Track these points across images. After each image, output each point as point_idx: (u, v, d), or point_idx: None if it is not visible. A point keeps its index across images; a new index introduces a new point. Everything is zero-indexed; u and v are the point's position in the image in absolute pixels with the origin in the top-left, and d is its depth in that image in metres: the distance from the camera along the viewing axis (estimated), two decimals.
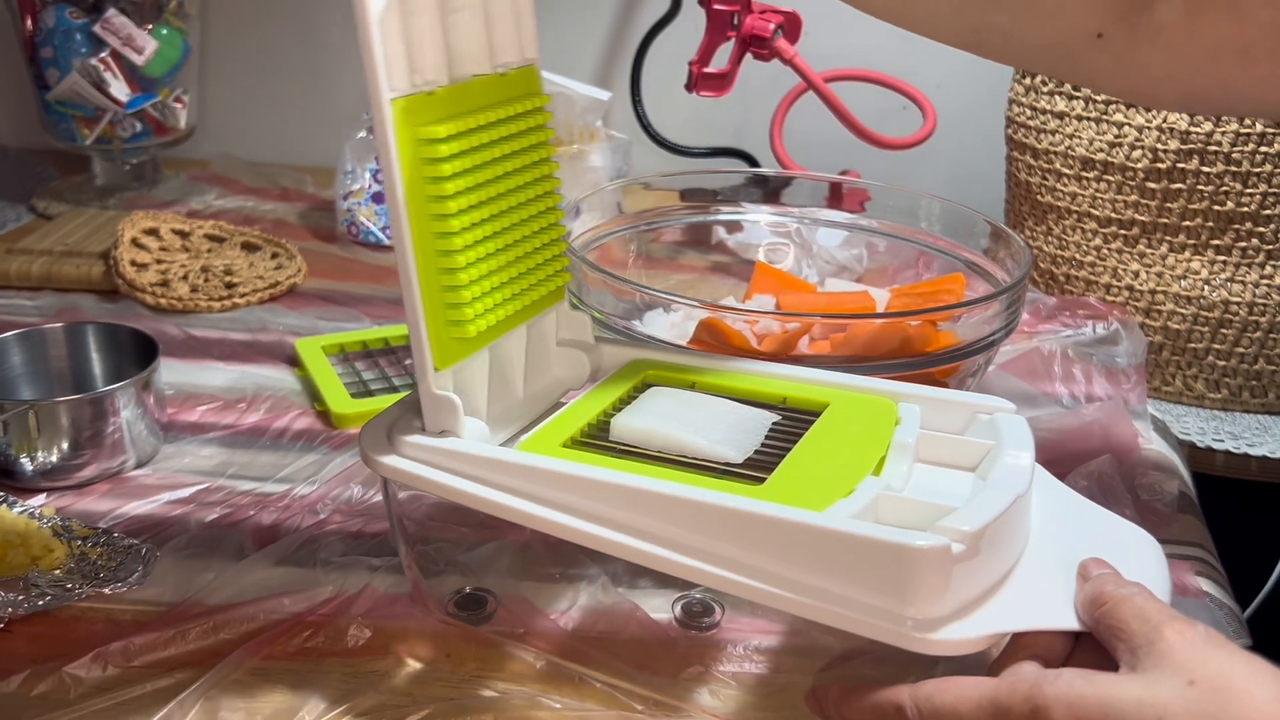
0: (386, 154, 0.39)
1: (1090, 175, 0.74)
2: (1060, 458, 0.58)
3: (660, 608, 0.47)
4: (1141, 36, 0.45)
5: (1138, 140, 0.71)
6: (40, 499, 0.54)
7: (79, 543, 0.49)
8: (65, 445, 0.54)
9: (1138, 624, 0.33)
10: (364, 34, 0.39)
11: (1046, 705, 0.32)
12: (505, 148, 0.43)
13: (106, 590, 0.46)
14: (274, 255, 0.83)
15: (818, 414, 0.45)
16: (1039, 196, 0.78)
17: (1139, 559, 0.40)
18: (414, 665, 0.44)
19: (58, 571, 0.47)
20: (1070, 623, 0.36)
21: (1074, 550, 0.39)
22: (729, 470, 0.41)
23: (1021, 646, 0.36)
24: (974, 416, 0.45)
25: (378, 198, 0.88)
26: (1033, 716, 0.32)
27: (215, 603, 0.46)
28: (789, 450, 0.42)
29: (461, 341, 0.42)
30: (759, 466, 0.41)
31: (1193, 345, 0.74)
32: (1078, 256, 0.77)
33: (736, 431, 0.43)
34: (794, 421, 0.45)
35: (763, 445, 0.43)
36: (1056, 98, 0.75)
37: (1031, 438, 0.42)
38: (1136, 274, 0.74)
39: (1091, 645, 0.35)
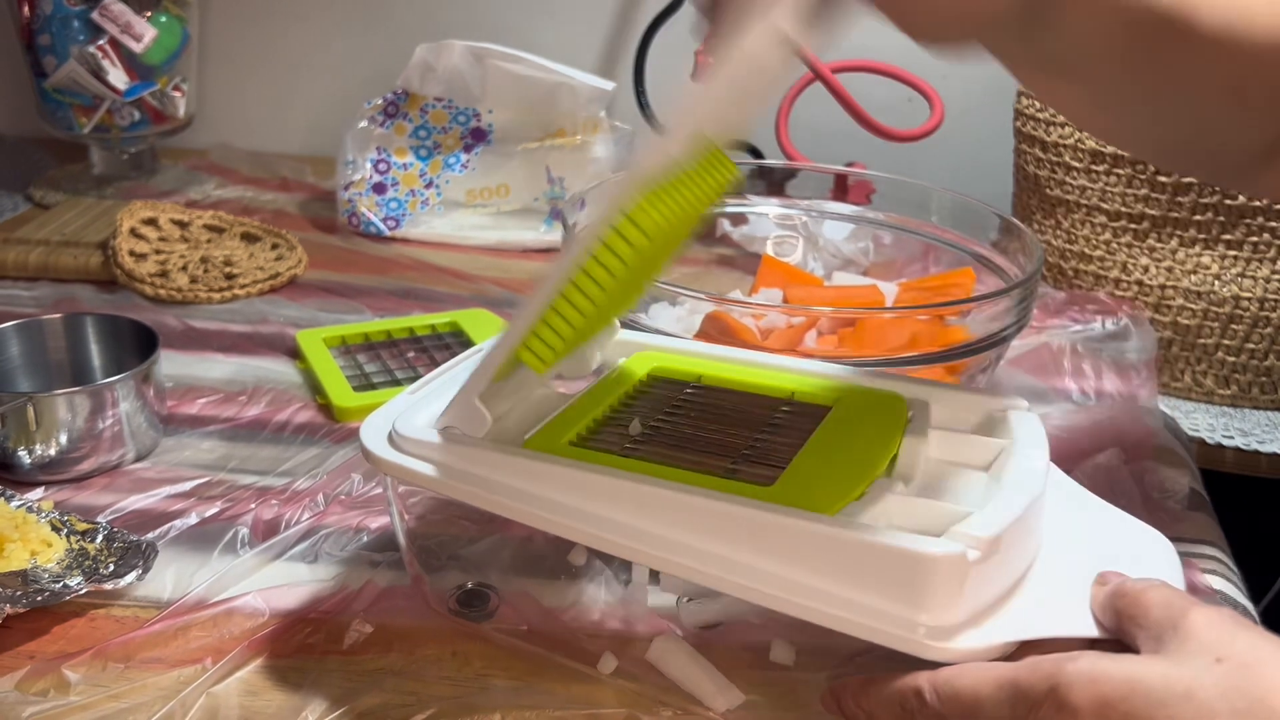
0: (605, 209, 0.36)
1: (1100, 168, 0.73)
2: (1070, 454, 0.57)
3: (666, 604, 0.46)
4: None
5: None
6: (38, 492, 0.54)
7: (77, 537, 0.49)
8: (64, 438, 0.54)
9: (1161, 610, 0.33)
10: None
11: (1068, 682, 0.31)
12: (680, 225, 0.40)
13: (106, 586, 0.46)
14: (274, 246, 0.82)
15: (826, 409, 0.44)
16: (1048, 189, 0.77)
17: (1153, 560, 0.39)
18: (418, 663, 0.43)
19: (56, 566, 0.47)
20: (1087, 629, 0.35)
21: (1088, 552, 0.39)
22: (737, 470, 0.40)
23: (1034, 651, 0.35)
24: (986, 414, 0.44)
25: (379, 188, 0.88)
26: (1052, 695, 0.31)
27: (216, 598, 0.46)
28: (798, 448, 0.41)
29: (520, 363, 0.41)
30: (768, 465, 0.40)
31: (1203, 341, 0.73)
32: (1087, 250, 0.76)
33: None
34: (802, 417, 0.44)
35: (772, 442, 0.42)
36: None
37: (1045, 436, 0.42)
38: (1146, 269, 0.74)
39: (1109, 650, 0.34)
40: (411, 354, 0.68)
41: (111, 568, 0.47)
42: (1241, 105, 0.43)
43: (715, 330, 0.57)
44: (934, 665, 0.34)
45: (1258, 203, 0.70)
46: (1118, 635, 0.34)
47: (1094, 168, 0.74)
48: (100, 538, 0.49)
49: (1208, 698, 0.30)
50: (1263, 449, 0.69)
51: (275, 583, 0.47)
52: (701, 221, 0.44)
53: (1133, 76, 0.42)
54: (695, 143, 0.40)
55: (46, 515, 0.50)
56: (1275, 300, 0.71)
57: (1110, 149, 0.73)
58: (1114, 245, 0.74)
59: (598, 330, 0.45)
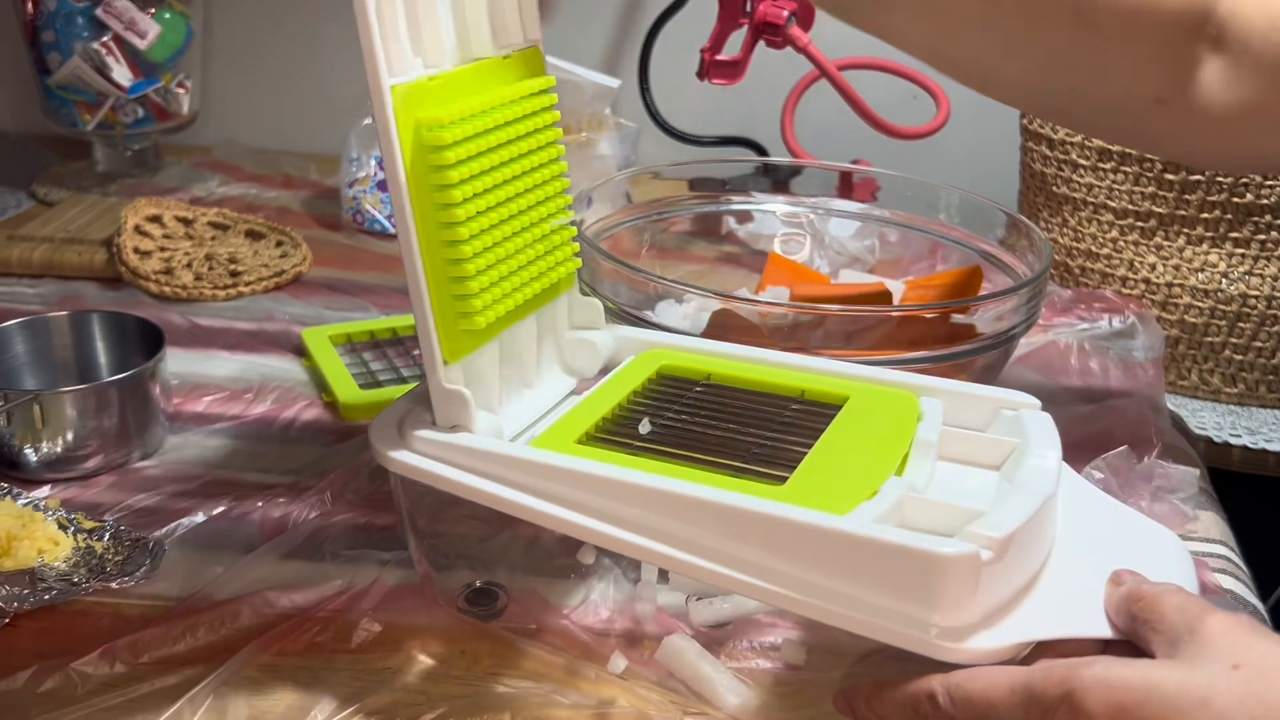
0: (388, 142, 0.38)
1: (1107, 166, 0.73)
2: (1077, 453, 0.57)
3: (675, 604, 0.46)
4: (1193, 104, 0.46)
5: None
6: (45, 490, 0.53)
7: (84, 535, 0.49)
8: (70, 436, 0.54)
9: (1177, 615, 0.33)
10: (362, 18, 0.37)
11: (1083, 688, 0.31)
12: (510, 132, 0.42)
13: (113, 584, 0.46)
14: (279, 243, 0.82)
15: (837, 407, 0.44)
16: (1054, 187, 0.77)
17: (1165, 558, 0.39)
18: (427, 662, 0.43)
19: (63, 565, 0.47)
20: (1101, 629, 0.35)
21: (1100, 552, 0.39)
22: (748, 469, 0.40)
23: (1047, 651, 0.35)
24: (998, 412, 0.44)
25: (383, 185, 0.87)
26: (1067, 700, 0.31)
27: (223, 597, 0.46)
28: (810, 446, 0.41)
29: (471, 334, 0.41)
30: (780, 464, 0.40)
31: (1210, 339, 0.73)
32: (1093, 248, 0.76)
33: None
34: (813, 415, 0.44)
35: (783, 440, 0.42)
36: None
37: (1057, 436, 0.41)
38: (1153, 266, 0.73)
39: (1121, 652, 0.34)
40: (417, 352, 0.68)
41: (119, 566, 0.47)
42: (1093, 32, 0.43)
43: (723, 327, 0.56)
44: (947, 666, 0.34)
45: (1265, 201, 0.69)
46: (1131, 637, 0.34)
47: (1101, 165, 0.74)
48: (107, 536, 0.49)
49: (1224, 705, 0.29)
50: (1270, 447, 0.69)
51: (283, 581, 0.47)
52: (552, 135, 0.44)
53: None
54: (449, 56, 0.41)
55: (53, 513, 0.50)
56: None
57: (1116, 146, 0.72)
58: (1121, 243, 0.74)
59: (526, 273, 0.43)
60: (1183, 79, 0.46)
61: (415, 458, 0.41)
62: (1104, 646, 0.35)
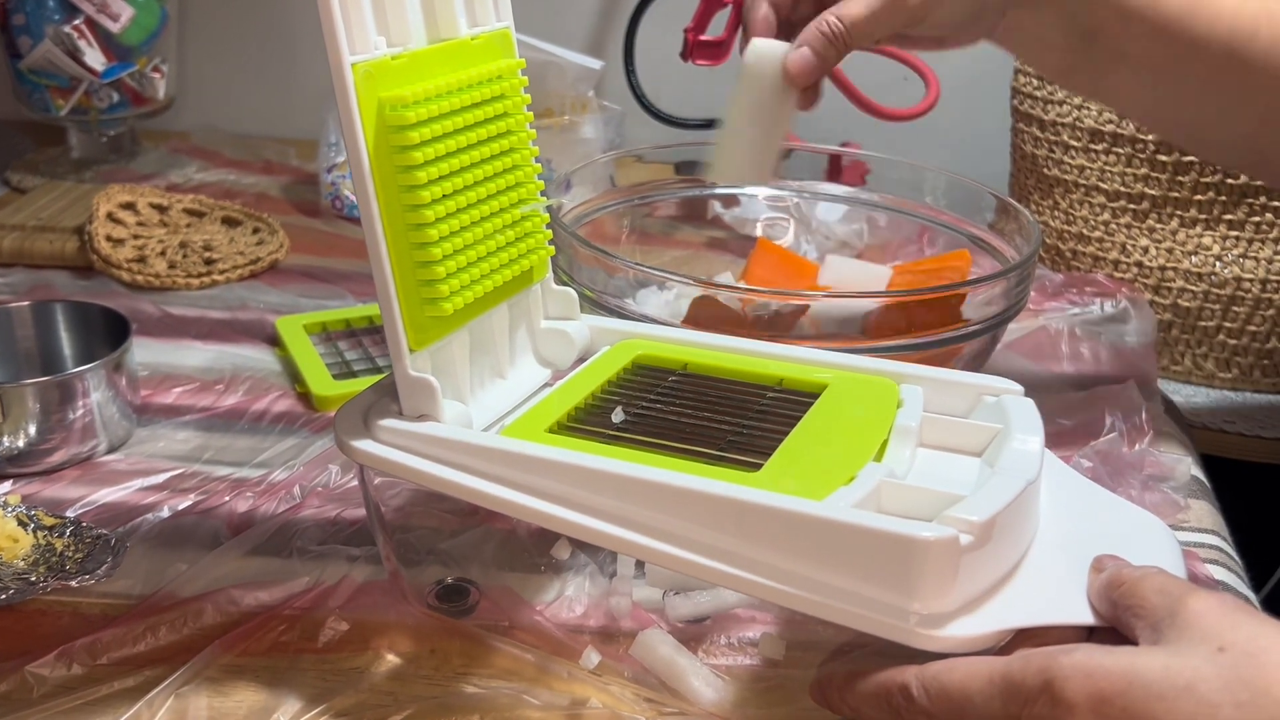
0: (349, 121, 0.37)
1: (1099, 147, 0.72)
2: (1068, 439, 0.56)
3: (651, 598, 0.45)
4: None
5: None
6: (6, 486, 0.52)
7: (45, 532, 0.47)
8: (32, 429, 0.52)
9: (1159, 598, 0.32)
10: None
11: (1063, 676, 0.30)
12: (479, 114, 0.41)
13: (73, 583, 0.44)
14: (255, 230, 0.80)
15: (815, 395, 0.43)
16: (1045, 169, 0.75)
17: (1152, 546, 0.38)
18: (395, 661, 0.42)
19: (21, 563, 0.45)
20: (1084, 616, 0.34)
21: (1085, 539, 0.38)
22: (724, 456, 0.39)
23: (1029, 639, 0.34)
24: (979, 398, 0.43)
25: None
26: (1046, 690, 0.30)
27: (186, 595, 0.44)
28: (786, 434, 0.40)
29: (438, 320, 0.40)
30: (755, 451, 0.39)
31: (1203, 323, 0.71)
32: (1085, 231, 0.74)
33: None
34: (791, 403, 0.43)
35: (759, 428, 0.41)
36: None
37: (1040, 421, 0.40)
38: (1146, 250, 0.72)
39: (1106, 639, 0.33)
40: None
41: (79, 564, 0.45)
42: None
43: (703, 315, 0.55)
44: (924, 656, 0.33)
45: (1259, 182, 0.68)
46: (1114, 624, 0.33)
47: (1093, 147, 0.72)
48: (68, 533, 0.47)
49: (1209, 690, 0.28)
50: (1264, 433, 0.67)
51: (249, 578, 0.46)
52: (519, 119, 0.43)
53: (1189, 57, 0.48)
54: (412, 36, 0.40)
55: (13, 510, 0.48)
56: (1277, 282, 0.69)
57: (1109, 127, 0.71)
58: (1113, 226, 0.73)
59: (494, 259, 0.42)
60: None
61: (380, 448, 0.40)
62: (1088, 634, 0.34)
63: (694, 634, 0.43)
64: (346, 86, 0.37)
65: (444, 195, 0.39)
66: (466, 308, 0.41)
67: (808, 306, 0.56)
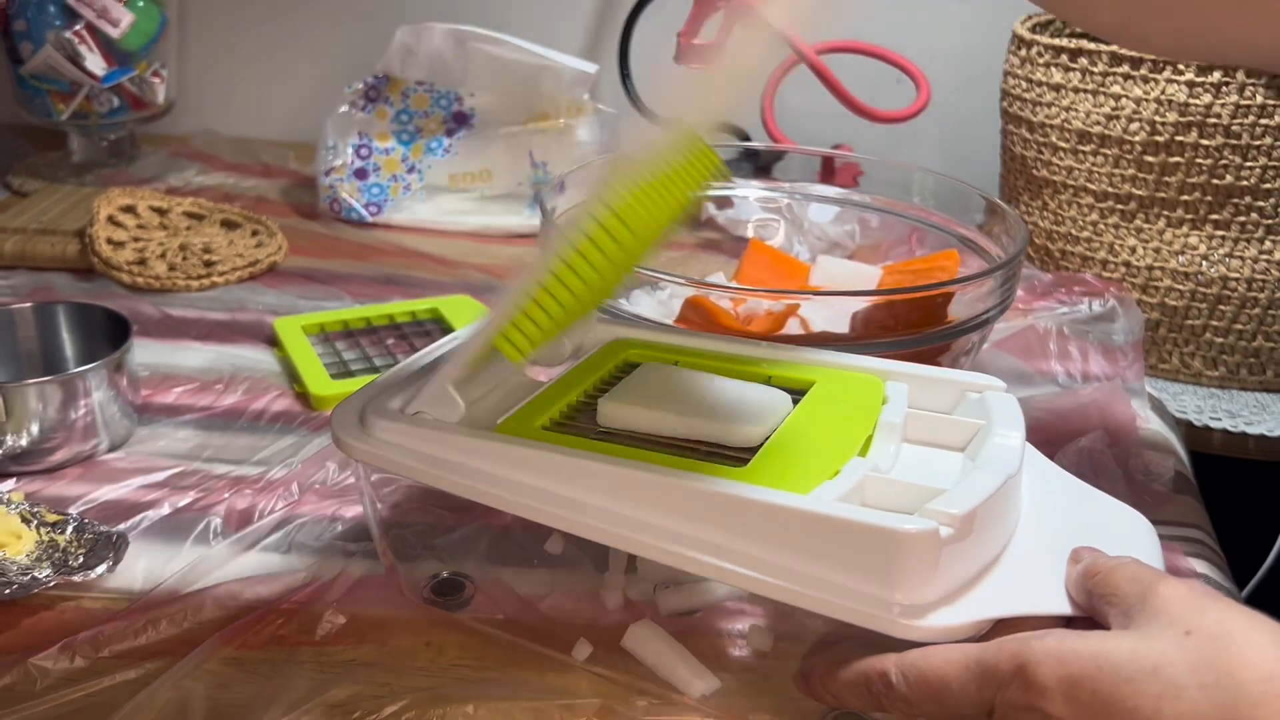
0: (591, 200, 0.36)
1: (1087, 148, 0.73)
2: (1056, 437, 0.57)
3: (643, 592, 0.46)
4: None
5: (1135, 112, 0.70)
6: (9, 484, 0.53)
7: (47, 529, 0.48)
8: (35, 428, 0.53)
9: (1130, 586, 0.33)
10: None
11: (1035, 660, 0.31)
12: (663, 218, 0.40)
13: (75, 578, 0.45)
14: (254, 233, 0.81)
15: (802, 392, 0.44)
16: (1034, 170, 0.76)
17: (1131, 540, 0.39)
18: (391, 654, 0.43)
19: (25, 559, 0.46)
20: (1061, 607, 0.35)
21: (1065, 532, 0.38)
22: (712, 452, 0.40)
23: (1008, 629, 0.35)
24: (963, 395, 0.44)
25: (360, 173, 0.87)
26: (1019, 674, 0.31)
27: (187, 590, 0.45)
28: (773, 430, 0.41)
29: (497, 352, 0.40)
30: (743, 447, 0.40)
31: (1190, 322, 0.72)
32: (1074, 231, 0.75)
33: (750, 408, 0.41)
34: None
35: None
36: (1053, 69, 0.73)
37: (1022, 416, 0.41)
38: (1133, 249, 0.73)
39: (1083, 628, 0.34)
40: (391, 341, 0.67)
41: (81, 559, 0.46)
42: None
43: (695, 316, 0.56)
44: (907, 646, 0.34)
45: (1245, 182, 0.69)
46: (1090, 613, 0.34)
47: (1080, 148, 0.73)
48: (70, 529, 0.48)
49: (1175, 673, 0.29)
50: (1250, 430, 0.68)
51: (247, 573, 0.46)
52: (684, 212, 0.43)
53: None
54: (681, 133, 0.39)
55: (16, 507, 0.49)
56: (1263, 281, 0.70)
57: (1097, 129, 0.72)
58: (1101, 226, 0.74)
59: (576, 321, 0.44)
60: None
61: (376, 444, 0.41)
62: (1065, 624, 0.35)
63: (684, 626, 0.44)
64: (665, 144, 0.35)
65: (592, 287, 0.38)
66: None
67: (798, 306, 0.57)
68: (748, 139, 1.00)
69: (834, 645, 0.37)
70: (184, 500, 0.52)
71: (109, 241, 0.76)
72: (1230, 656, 0.29)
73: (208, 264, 0.76)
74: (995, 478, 0.36)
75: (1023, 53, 0.76)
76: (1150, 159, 0.70)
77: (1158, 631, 0.30)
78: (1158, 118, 0.69)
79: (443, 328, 0.69)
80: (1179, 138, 0.69)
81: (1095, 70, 0.71)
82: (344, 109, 0.86)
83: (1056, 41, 0.73)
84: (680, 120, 0.39)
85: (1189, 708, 0.29)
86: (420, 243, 0.83)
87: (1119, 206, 0.73)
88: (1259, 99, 0.67)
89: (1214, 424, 0.69)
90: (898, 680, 0.33)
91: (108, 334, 0.58)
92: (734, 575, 0.36)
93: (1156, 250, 0.72)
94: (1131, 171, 0.71)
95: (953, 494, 0.35)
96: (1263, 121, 0.67)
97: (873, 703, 0.34)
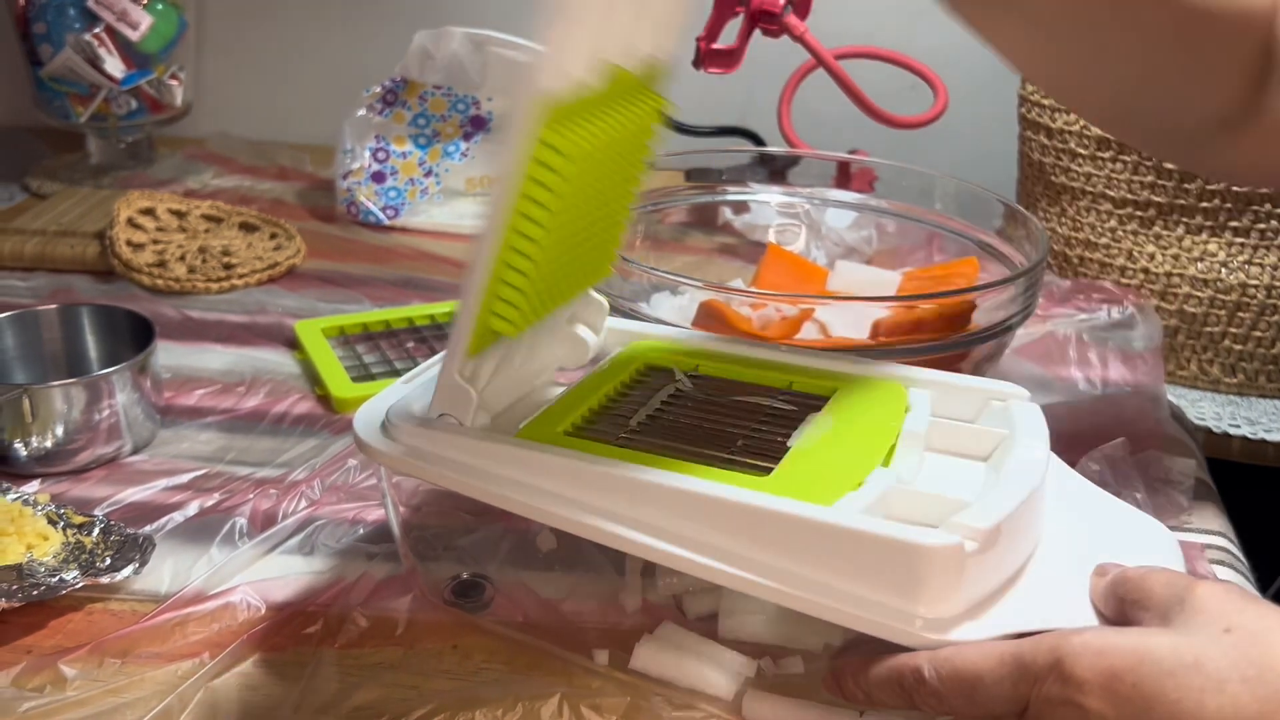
0: (511, 145, 0.35)
1: (1105, 155, 0.73)
2: (1075, 444, 0.56)
3: (665, 594, 0.46)
4: (1259, 123, 0.46)
5: None
6: (35, 485, 0.53)
7: (74, 530, 0.48)
8: (60, 430, 0.53)
9: (1165, 590, 0.33)
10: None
11: (1074, 653, 0.31)
12: (612, 158, 0.40)
13: (103, 579, 0.45)
14: (272, 236, 0.81)
15: (825, 399, 0.44)
16: (1052, 177, 0.76)
17: (1154, 552, 0.39)
18: (417, 657, 0.43)
19: (52, 560, 0.47)
20: (1086, 620, 0.35)
21: (1088, 544, 0.38)
22: (735, 460, 0.40)
23: None
24: (986, 403, 0.44)
25: (378, 177, 0.87)
26: (1056, 668, 0.31)
27: (213, 592, 0.46)
28: (796, 437, 0.41)
29: (496, 333, 0.40)
30: (766, 456, 0.40)
31: (1209, 329, 0.72)
32: (1092, 238, 0.75)
33: None
34: (800, 407, 0.44)
35: (769, 431, 0.42)
36: None
37: (1046, 426, 0.41)
38: (1152, 256, 0.73)
39: None
40: (411, 344, 0.68)
41: (108, 561, 0.46)
42: (1193, 56, 0.42)
43: (712, 320, 0.56)
44: None
45: (1264, 190, 0.69)
46: (1120, 622, 0.34)
47: (1099, 154, 0.73)
48: (97, 531, 0.48)
49: (1217, 667, 0.29)
50: (1269, 437, 0.68)
51: (272, 575, 0.47)
52: (638, 134, 0.41)
53: (1079, 5, 0.42)
54: (597, 66, 0.38)
55: (43, 508, 0.50)
56: None
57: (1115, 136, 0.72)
58: (1120, 233, 0.74)
59: (564, 284, 0.42)
60: (1256, 98, 0.45)
61: (399, 449, 0.41)
62: None
63: (709, 630, 0.44)
64: (525, 119, 0.35)
65: (553, 229, 0.38)
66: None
67: (813, 311, 0.57)
68: (763, 143, 1.00)
69: (863, 646, 0.37)
70: (209, 502, 0.52)
71: (129, 244, 0.76)
72: (1272, 651, 0.29)
73: (227, 266, 0.76)
74: (1020, 491, 0.36)
75: None
76: (1169, 166, 0.70)
77: (1197, 629, 0.30)
78: None
79: None
80: None
81: None
82: (361, 112, 0.87)
83: None
84: (594, 52, 0.37)
85: (1231, 701, 0.29)
86: (438, 246, 0.84)
87: (1138, 213, 0.73)
88: None
89: (1233, 431, 0.69)
90: (930, 675, 0.33)
91: (131, 336, 0.59)
92: (756, 586, 0.36)
93: (1175, 257, 0.72)
94: (1150, 178, 0.71)
95: (977, 507, 0.35)
96: None
97: (904, 698, 0.34)
